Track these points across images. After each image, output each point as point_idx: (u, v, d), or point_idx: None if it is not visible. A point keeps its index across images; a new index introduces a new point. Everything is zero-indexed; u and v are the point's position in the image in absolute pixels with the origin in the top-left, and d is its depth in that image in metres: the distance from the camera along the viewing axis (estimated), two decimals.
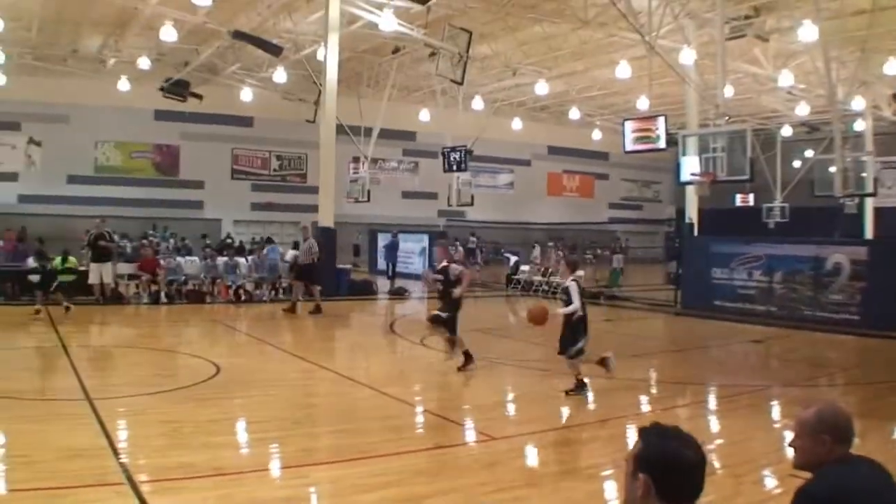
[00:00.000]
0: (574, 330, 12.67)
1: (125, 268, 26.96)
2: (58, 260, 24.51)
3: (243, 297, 26.75)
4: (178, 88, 37.30)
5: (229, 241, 36.60)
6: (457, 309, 14.44)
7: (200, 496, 7.79)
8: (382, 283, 33.31)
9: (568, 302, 12.71)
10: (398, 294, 31.12)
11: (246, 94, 40.20)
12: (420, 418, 11.75)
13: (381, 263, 38.89)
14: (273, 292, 28.15)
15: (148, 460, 8.87)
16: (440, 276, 14.48)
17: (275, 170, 46.38)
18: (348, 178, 38.38)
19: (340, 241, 31.45)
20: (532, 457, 9.81)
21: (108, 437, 9.80)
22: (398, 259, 36.22)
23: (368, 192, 38.02)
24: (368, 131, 37.59)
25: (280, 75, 35.83)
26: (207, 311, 24.83)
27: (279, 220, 43.54)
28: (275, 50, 30.64)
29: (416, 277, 35.13)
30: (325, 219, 29.34)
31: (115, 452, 9.14)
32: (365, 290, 30.83)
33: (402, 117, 43.26)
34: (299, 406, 12.16)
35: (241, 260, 28.03)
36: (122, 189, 41.39)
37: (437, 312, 14.56)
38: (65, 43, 36.50)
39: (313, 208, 31.67)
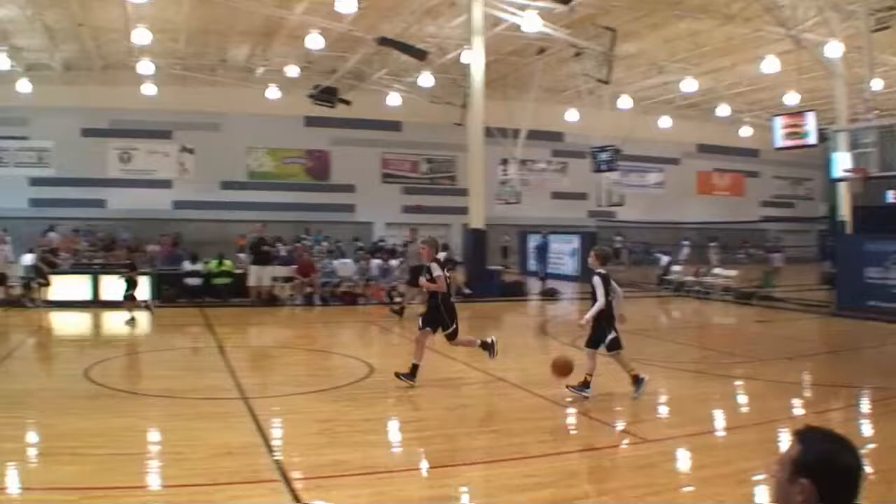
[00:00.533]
0: (600, 325, 12.37)
1: (280, 271, 27.37)
2: (213, 263, 25.09)
3: (396, 299, 26.93)
4: (326, 95, 37.79)
5: (381, 243, 36.87)
6: (440, 312, 13.35)
7: (352, 494, 7.84)
8: (533, 285, 33.05)
9: (594, 299, 12.37)
10: (549, 295, 30.82)
11: (393, 99, 40.51)
12: (572, 420, 11.57)
13: (532, 265, 38.64)
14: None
15: (301, 458, 8.99)
16: (427, 276, 13.43)
17: (424, 173, 46.62)
18: (497, 180, 38.30)
19: (490, 243, 31.37)
20: (684, 459, 9.55)
21: (262, 434, 9.98)
22: (548, 260, 35.95)
23: (518, 193, 37.88)
24: (516, 133, 37.49)
25: (426, 79, 36.04)
26: (360, 313, 25.04)
27: (430, 223, 43.61)
28: (420, 54, 30.82)
29: (567, 279, 34.85)
30: (476, 221, 29.35)
31: (270, 450, 9.28)
32: (516, 292, 30.61)
33: (550, 118, 42.98)
34: (451, 406, 12.06)
35: (394, 262, 28.22)
36: (275, 194, 42.07)
37: (447, 333, 13.42)
38: (213, 53, 37.38)
39: (463, 210, 31.72)
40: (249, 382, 13.17)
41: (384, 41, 30.02)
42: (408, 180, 46.32)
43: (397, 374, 12.94)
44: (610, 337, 12.30)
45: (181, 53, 36.41)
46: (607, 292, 12.23)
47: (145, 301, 23.43)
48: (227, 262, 27.31)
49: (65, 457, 8.93)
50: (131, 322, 21.74)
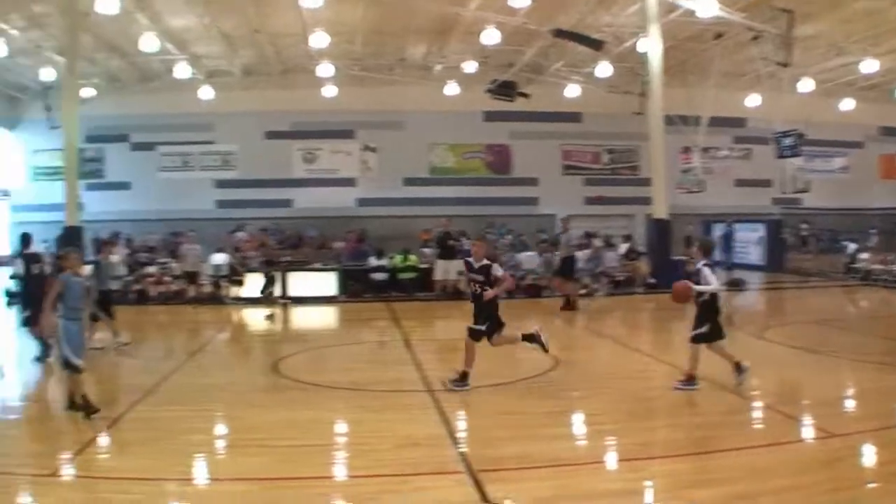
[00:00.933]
0: (706, 312, 12.31)
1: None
2: (398, 258, 25.30)
3: (581, 291, 26.59)
4: (505, 89, 37.68)
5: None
6: (494, 318, 12.52)
7: (536, 486, 7.72)
8: (718, 275, 32.04)
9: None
10: (735, 285, 29.93)
11: (572, 91, 40.09)
12: (757, 413, 11.22)
13: (716, 254, 37.70)
14: (612, 286, 27.85)
15: (485, 450, 8.90)
16: (480, 277, 12.47)
17: (605, 163, 45.98)
18: (679, 169, 37.57)
19: (674, 233, 30.72)
20: (871, 455, 9.07)
21: (447, 426, 9.99)
22: (734, 249, 34.99)
23: (702, 182, 37.07)
24: (697, 120, 36.67)
25: (603, 69, 35.50)
26: (545, 306, 24.82)
27: (612, 214, 43.01)
28: (596, 45, 30.40)
29: (753, 268, 33.91)
30: (659, 210, 28.88)
31: (454, 442, 9.29)
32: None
33: (730, 104, 41.72)
34: (636, 399, 11.79)
35: (579, 254, 27.86)
36: (457, 189, 42.13)
37: (474, 327, 12.45)
38: (390, 53, 37.65)
39: (645, 201, 31.29)
40: (435, 375, 13.12)
41: (559, 33, 29.71)
42: (589, 171, 45.70)
43: (449, 383, 12.16)
44: (703, 330, 12.22)
45: (358, 54, 36.80)
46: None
47: (284, 298, 23.96)
48: (412, 257, 27.55)
49: (252, 448, 9.14)
50: (270, 317, 22.50)
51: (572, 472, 8.17)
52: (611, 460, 8.94)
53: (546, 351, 12.93)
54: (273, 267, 23.91)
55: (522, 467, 8.18)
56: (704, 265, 12.46)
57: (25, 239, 16.81)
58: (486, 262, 12.48)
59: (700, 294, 12.30)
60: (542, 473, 8.05)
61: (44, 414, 10.95)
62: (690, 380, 12.08)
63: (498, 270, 12.40)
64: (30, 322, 14.43)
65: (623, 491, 7.77)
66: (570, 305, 23.36)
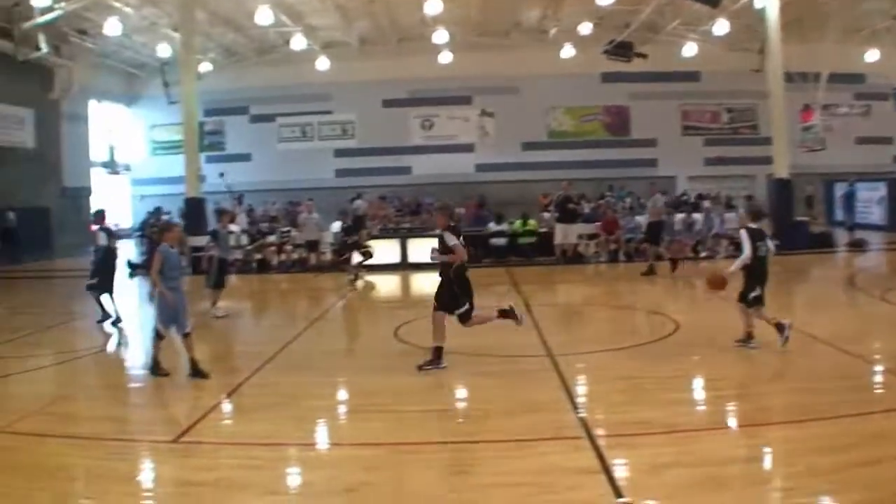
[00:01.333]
0: (749, 277, 12.25)
1: (585, 228, 27.24)
2: (518, 223, 25.25)
3: (702, 254, 26.17)
4: (621, 50, 37.17)
5: (684, 197, 35.97)
6: (454, 289, 11.72)
7: (655, 452, 7.63)
8: (840, 236, 31.33)
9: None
10: (857, 246, 29.11)
11: (689, 49, 39.38)
12: (880, 378, 10.87)
13: (838, 214, 36.79)
14: (733, 248, 27.32)
15: (605, 415, 8.90)
16: (438, 246, 11.93)
17: (725, 123, 45.11)
18: (799, 127, 36.67)
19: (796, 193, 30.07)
20: None
21: (567, 391, 9.93)
22: (856, 209, 34.04)
23: (823, 139, 36.16)
24: (816, 77, 35.72)
25: (720, 27, 34.75)
26: (664, 269, 24.50)
27: (732, 175, 42.25)
28: (712, 2, 29.73)
29: (875, 228, 32.99)
30: (780, 170, 28.30)
31: (574, 407, 9.22)
32: (824, 243, 29.08)
33: (849, 59, 40.36)
34: (756, 364, 11.57)
35: (697, 216, 27.41)
36: (575, 152, 41.81)
37: (460, 311, 11.73)
38: (505, 17, 37.48)
39: (765, 160, 30.80)
40: (555, 340, 13.10)
41: None
42: (709, 132, 44.94)
43: (420, 367, 11.44)
44: (753, 294, 12.19)
45: (474, 20, 36.76)
46: (756, 248, 12.18)
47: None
48: (532, 222, 27.45)
49: (373, 413, 9.25)
50: (353, 283, 22.80)
51: (692, 437, 8.06)
52: (730, 425, 8.84)
53: (519, 323, 12.36)
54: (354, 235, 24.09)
55: (642, 433, 8.12)
56: (746, 228, 12.50)
57: (155, 213, 17.25)
58: (440, 231, 12.15)
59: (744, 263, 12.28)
60: (660, 439, 7.96)
61: (167, 381, 11.17)
62: (749, 338, 12.24)
63: (450, 240, 11.80)
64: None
65: (742, 457, 7.66)
66: (651, 271, 22.88)
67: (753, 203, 14.96)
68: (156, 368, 11.43)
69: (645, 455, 7.57)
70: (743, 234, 12.43)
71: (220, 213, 18.70)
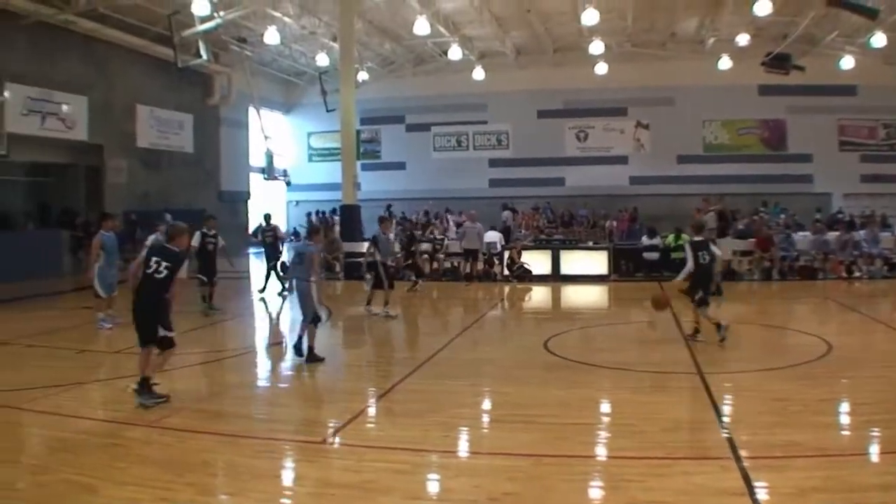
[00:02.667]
0: (694, 282, 14.53)
1: (739, 244, 26.85)
2: (671, 237, 25.06)
3: (856, 274, 25.54)
4: (779, 62, 36.43)
5: (840, 215, 35.12)
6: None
7: (803, 476, 7.44)
8: None
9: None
10: None
11: (846, 62, 38.42)
12: None
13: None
14: (887, 268, 26.53)
15: (752, 436, 8.71)
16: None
17: (882, 139, 43.81)
18: None
19: None
20: None
21: (715, 410, 9.85)
22: None
23: None
24: None
25: (878, 39, 33.80)
26: (819, 288, 23.97)
27: (889, 193, 41.00)
28: (871, 13, 28.94)
29: None
30: None
31: (721, 426, 9.13)
32: None
33: None
34: None
35: (858, 234, 26.74)
36: (730, 166, 41.17)
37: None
38: (661, 28, 37.18)
39: None
40: (705, 357, 13.00)
41: (833, 2, 28.48)
42: (865, 147, 43.71)
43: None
44: (698, 296, 14.48)
45: (629, 31, 36.62)
46: (697, 257, 14.40)
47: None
48: (685, 237, 27.11)
49: (519, 424, 9.31)
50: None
51: (840, 462, 7.83)
52: (879, 452, 8.56)
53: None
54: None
55: (790, 455, 7.95)
56: (689, 242, 14.93)
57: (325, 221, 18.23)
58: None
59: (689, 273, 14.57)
60: (808, 463, 7.78)
61: (317, 384, 11.50)
62: (696, 332, 14.76)
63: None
64: None
65: (891, 485, 7.39)
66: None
67: (697, 220, 16.18)
68: (311, 355, 12.75)
69: (791, 478, 7.40)
70: (686, 247, 14.80)
71: (381, 219, 19.45)
